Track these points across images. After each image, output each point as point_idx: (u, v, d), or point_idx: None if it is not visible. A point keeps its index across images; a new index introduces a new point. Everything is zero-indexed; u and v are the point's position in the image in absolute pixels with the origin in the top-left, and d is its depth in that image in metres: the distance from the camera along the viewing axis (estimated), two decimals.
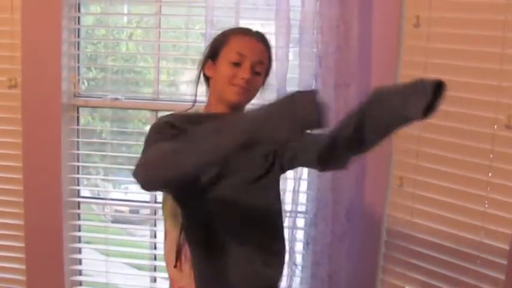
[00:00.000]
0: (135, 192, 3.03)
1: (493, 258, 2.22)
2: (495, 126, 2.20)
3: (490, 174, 2.22)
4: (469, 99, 2.25)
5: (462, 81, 2.27)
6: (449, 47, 2.31)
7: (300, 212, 2.58)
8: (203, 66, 1.75)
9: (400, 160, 2.49)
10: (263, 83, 1.77)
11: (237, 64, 1.65)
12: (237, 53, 1.66)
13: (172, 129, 1.55)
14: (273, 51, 2.43)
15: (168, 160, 1.32)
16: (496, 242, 2.20)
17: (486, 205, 2.24)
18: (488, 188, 2.23)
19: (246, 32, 1.73)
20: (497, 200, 2.20)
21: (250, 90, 1.68)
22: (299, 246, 2.64)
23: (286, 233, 2.57)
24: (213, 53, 1.72)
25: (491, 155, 2.21)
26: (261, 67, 1.69)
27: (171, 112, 1.78)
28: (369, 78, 2.48)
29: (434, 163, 2.37)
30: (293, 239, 2.58)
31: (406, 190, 2.47)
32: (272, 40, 2.43)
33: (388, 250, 2.56)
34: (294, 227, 2.57)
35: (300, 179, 2.53)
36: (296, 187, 2.52)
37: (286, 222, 2.56)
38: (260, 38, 1.73)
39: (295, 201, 2.53)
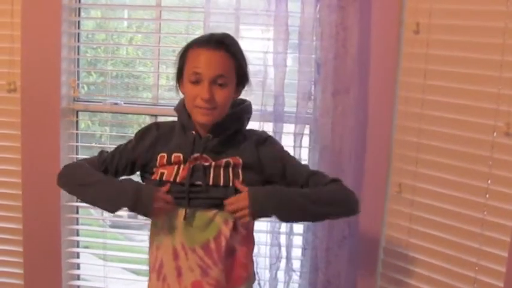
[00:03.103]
0: None
1: (492, 266, 2.21)
2: (494, 134, 2.19)
3: (489, 182, 2.21)
4: (468, 106, 2.25)
5: (461, 88, 2.27)
6: (449, 53, 2.31)
7: None
8: (178, 83, 1.76)
9: (399, 167, 2.48)
10: (242, 86, 1.76)
11: (197, 82, 1.65)
12: (193, 72, 1.65)
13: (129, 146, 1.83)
14: (271, 56, 2.43)
15: (70, 182, 1.77)
16: (495, 249, 2.20)
17: (485, 212, 2.23)
18: (487, 195, 2.22)
19: (202, 44, 1.67)
20: (497, 207, 2.19)
21: (216, 107, 1.67)
22: (296, 252, 2.64)
23: (283, 239, 2.57)
24: (179, 72, 1.73)
25: (490, 162, 2.20)
26: (224, 79, 1.66)
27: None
28: (369, 85, 2.48)
29: (434, 170, 2.37)
30: (290, 245, 2.57)
31: (405, 197, 2.46)
32: (271, 46, 2.45)
33: (387, 257, 2.55)
34: (290, 232, 2.56)
35: None
36: None
37: (283, 228, 2.56)
38: (219, 45, 1.66)
39: None
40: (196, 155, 1.71)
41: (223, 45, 1.67)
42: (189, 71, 1.67)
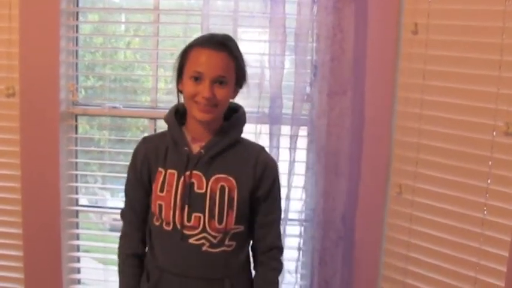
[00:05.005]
0: None
1: (493, 265, 2.20)
2: (494, 133, 2.19)
3: (489, 181, 2.21)
4: (467, 106, 2.25)
5: (461, 88, 2.27)
6: (447, 54, 2.30)
7: (291, 220, 2.58)
8: (177, 82, 1.76)
9: (399, 167, 2.48)
10: (240, 86, 1.76)
11: (197, 79, 1.65)
12: (194, 70, 1.66)
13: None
14: (267, 58, 2.43)
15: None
16: (495, 248, 2.19)
17: (485, 212, 2.23)
18: (487, 195, 2.22)
19: (204, 44, 1.68)
20: (496, 206, 2.19)
21: (216, 105, 1.68)
22: (292, 254, 2.62)
23: None
24: (179, 69, 1.73)
25: (490, 162, 2.20)
26: (224, 79, 1.67)
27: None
28: (366, 86, 2.48)
29: (434, 170, 2.36)
30: (284, 246, 2.56)
31: (405, 197, 2.46)
32: (267, 48, 2.44)
33: (388, 258, 2.55)
34: (284, 234, 2.54)
35: (292, 186, 2.53)
36: (288, 194, 2.52)
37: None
38: (220, 46, 1.67)
39: (286, 209, 2.52)
40: (188, 172, 1.73)
41: (225, 46, 1.68)
42: (190, 69, 1.67)
